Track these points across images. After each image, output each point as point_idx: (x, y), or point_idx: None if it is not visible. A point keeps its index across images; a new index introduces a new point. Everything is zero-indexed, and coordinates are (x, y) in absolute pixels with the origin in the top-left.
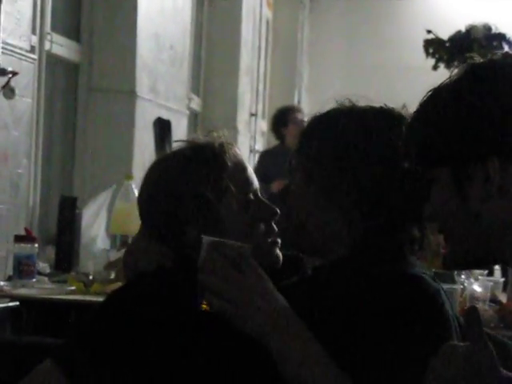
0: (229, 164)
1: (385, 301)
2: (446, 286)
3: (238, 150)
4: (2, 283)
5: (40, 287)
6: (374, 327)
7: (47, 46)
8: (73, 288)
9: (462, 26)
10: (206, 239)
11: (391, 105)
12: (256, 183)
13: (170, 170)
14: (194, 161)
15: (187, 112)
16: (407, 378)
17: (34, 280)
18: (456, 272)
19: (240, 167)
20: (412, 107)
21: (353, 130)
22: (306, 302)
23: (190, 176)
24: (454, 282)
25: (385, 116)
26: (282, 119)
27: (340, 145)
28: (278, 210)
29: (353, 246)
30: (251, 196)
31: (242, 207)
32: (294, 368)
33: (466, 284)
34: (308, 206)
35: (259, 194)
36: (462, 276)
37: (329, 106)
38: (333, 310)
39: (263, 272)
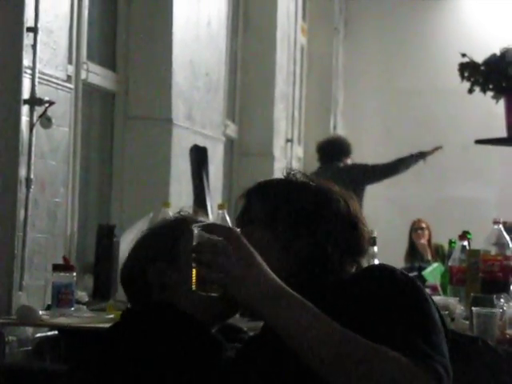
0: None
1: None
2: (484, 310)
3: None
4: (40, 312)
5: (79, 316)
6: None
7: (83, 75)
8: (111, 316)
9: (496, 49)
10: (195, 227)
11: (428, 128)
12: None
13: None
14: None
15: (223, 139)
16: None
17: (73, 309)
18: (495, 296)
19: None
20: (450, 130)
21: (303, 199)
22: None
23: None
24: (492, 305)
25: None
26: (349, 150)
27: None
28: None
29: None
30: None
31: None
32: (297, 331)
33: (505, 308)
34: (265, 253)
35: None
36: (501, 300)
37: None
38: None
39: (253, 249)
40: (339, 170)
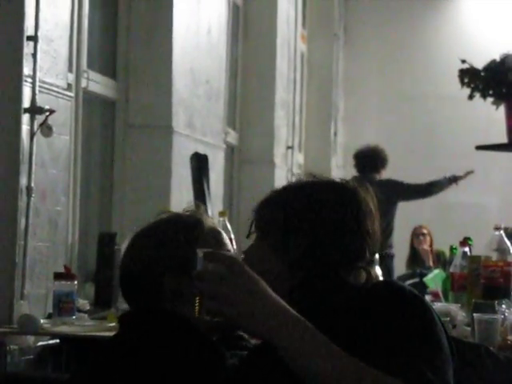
0: (204, 230)
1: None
2: (486, 316)
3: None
4: (42, 321)
5: (80, 324)
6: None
7: (84, 83)
8: (113, 324)
9: (496, 55)
10: (200, 251)
11: (428, 134)
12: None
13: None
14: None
15: (224, 146)
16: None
17: (74, 317)
18: (496, 302)
19: (215, 232)
20: (450, 136)
21: (300, 203)
22: None
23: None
24: (494, 311)
25: (332, 189)
26: (386, 162)
27: (289, 214)
28: None
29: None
30: None
31: None
32: (308, 361)
33: (506, 314)
34: (259, 259)
35: None
36: (503, 306)
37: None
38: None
39: (257, 276)
40: (375, 182)
